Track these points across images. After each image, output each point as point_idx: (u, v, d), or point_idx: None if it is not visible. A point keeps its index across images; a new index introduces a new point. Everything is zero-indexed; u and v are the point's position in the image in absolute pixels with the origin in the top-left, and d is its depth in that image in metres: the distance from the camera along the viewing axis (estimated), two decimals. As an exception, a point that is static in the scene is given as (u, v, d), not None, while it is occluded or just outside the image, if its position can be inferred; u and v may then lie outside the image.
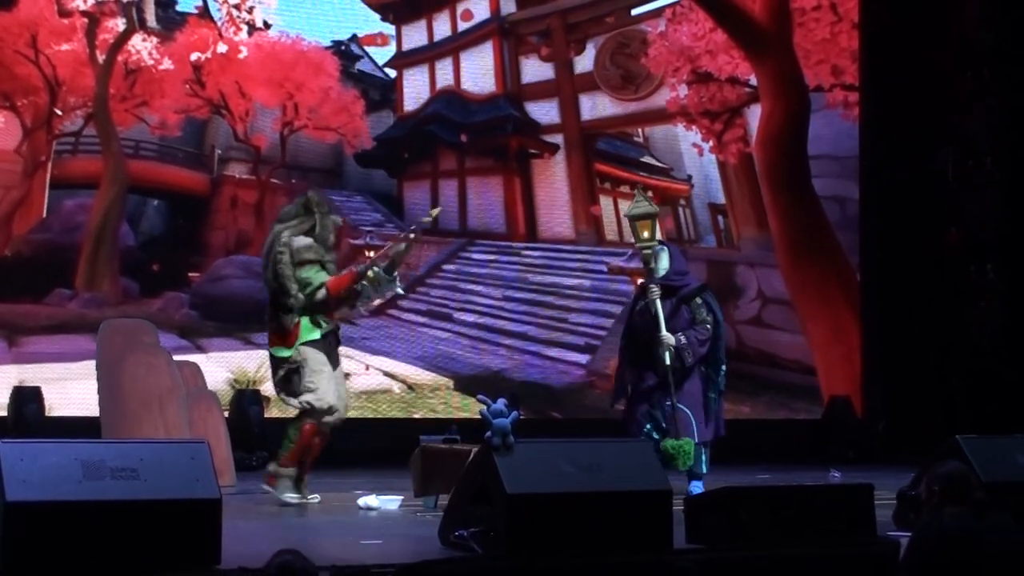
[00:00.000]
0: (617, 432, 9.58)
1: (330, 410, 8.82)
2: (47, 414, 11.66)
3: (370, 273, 8.89)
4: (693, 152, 14.87)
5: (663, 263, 9.46)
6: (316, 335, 8.83)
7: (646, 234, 9.45)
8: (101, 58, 13.03)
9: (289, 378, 8.87)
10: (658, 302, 9.27)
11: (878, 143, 14.93)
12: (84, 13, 12.99)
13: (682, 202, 15.16)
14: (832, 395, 14.39)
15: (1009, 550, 4.81)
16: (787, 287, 14.64)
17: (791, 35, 14.76)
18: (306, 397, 8.79)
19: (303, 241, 8.87)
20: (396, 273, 8.98)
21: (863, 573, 6.73)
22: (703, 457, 9.35)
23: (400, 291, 9.40)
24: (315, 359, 8.82)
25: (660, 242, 9.61)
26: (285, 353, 8.82)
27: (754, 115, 14.70)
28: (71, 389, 11.95)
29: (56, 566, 5.50)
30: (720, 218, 15.07)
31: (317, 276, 8.81)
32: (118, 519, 5.64)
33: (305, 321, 8.82)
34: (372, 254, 13.94)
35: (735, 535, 6.76)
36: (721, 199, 14.96)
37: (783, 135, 14.66)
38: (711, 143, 14.71)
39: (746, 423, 13.96)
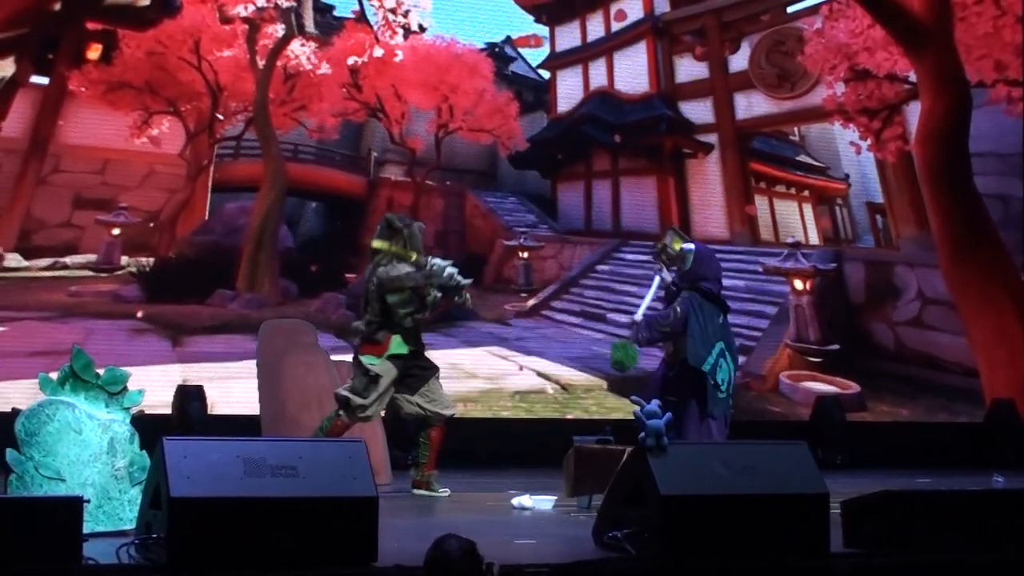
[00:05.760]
0: (772, 434, 9.49)
1: None
2: (209, 412, 11.89)
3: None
4: (850, 150, 14.66)
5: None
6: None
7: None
8: (261, 63, 13.27)
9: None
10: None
11: (1042, 139, 14.59)
12: (245, 19, 13.24)
13: (839, 201, 14.96)
14: (995, 398, 14.05)
15: None
16: (948, 287, 14.32)
17: (952, 30, 14.43)
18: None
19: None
20: None
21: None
22: None
23: None
24: None
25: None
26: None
27: (913, 112, 14.42)
28: (232, 387, 12.17)
29: (218, 560, 5.62)
30: (879, 217, 14.83)
31: None
32: (278, 515, 5.75)
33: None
34: (525, 255, 14.04)
35: (894, 540, 6.65)
36: (879, 198, 14.73)
37: (944, 132, 14.34)
38: (869, 141, 14.47)
39: (905, 425, 13.73)
